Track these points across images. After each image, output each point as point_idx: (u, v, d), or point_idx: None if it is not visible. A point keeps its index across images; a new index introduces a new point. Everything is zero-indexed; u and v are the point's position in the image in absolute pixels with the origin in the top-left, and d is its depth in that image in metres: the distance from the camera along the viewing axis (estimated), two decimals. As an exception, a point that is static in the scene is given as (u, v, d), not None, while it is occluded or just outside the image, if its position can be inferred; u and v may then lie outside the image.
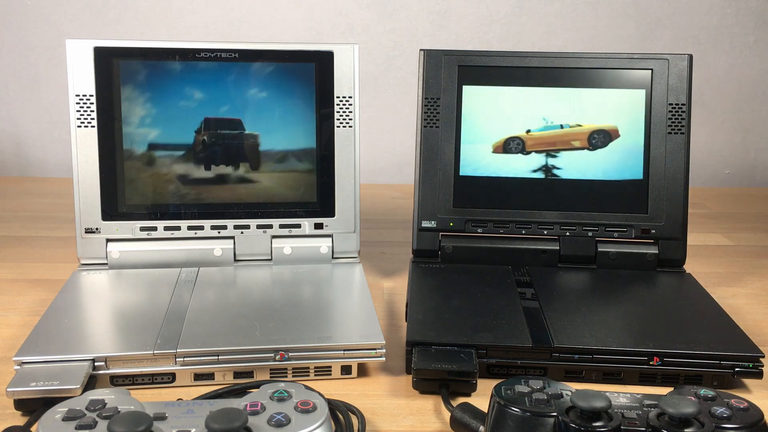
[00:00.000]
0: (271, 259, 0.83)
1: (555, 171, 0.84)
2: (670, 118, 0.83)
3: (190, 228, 0.82)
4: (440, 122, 0.85)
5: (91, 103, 0.79)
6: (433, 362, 0.63)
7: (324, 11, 1.35)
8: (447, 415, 0.59)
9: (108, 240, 0.81)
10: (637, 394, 0.52)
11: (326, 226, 0.84)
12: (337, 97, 0.83)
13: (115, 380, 0.63)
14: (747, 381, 0.66)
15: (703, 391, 0.52)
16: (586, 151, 0.84)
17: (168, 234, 0.82)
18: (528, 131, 0.84)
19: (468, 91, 0.85)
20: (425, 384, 0.63)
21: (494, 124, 0.85)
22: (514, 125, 0.85)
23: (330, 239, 0.84)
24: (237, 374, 0.64)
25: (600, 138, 0.84)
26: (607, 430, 0.47)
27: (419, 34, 1.36)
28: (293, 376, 0.66)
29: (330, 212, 0.84)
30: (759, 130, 1.43)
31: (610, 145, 0.84)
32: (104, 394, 0.51)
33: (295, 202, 0.84)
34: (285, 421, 0.49)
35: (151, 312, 0.70)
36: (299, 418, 0.49)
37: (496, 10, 1.36)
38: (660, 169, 0.83)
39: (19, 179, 1.37)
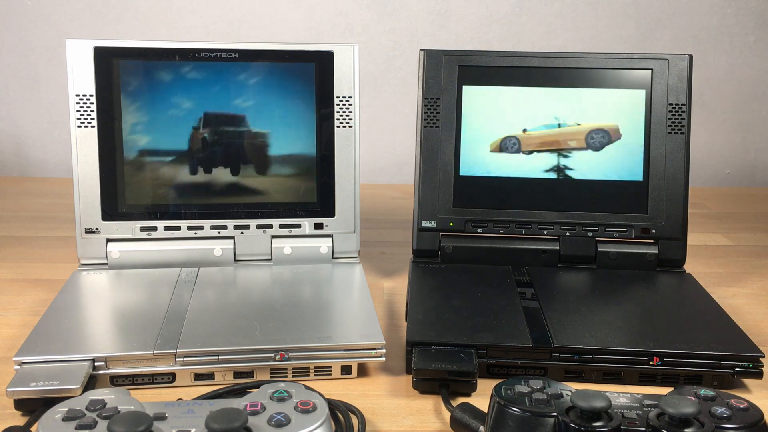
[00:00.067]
0: (271, 259, 0.83)
1: (555, 171, 0.84)
2: (670, 118, 0.83)
3: (190, 228, 0.82)
4: (440, 122, 0.85)
5: (91, 103, 0.79)
6: (433, 362, 0.63)
7: (324, 11, 1.35)
8: (447, 415, 0.59)
9: (108, 240, 0.81)
10: (637, 394, 0.52)
11: (326, 226, 0.84)
12: (337, 97, 0.83)
13: (115, 380, 0.63)
14: (747, 381, 0.66)
15: (703, 391, 0.52)
16: (585, 151, 0.84)
17: (168, 234, 0.82)
18: (524, 131, 0.84)
19: (468, 91, 0.85)
20: (425, 384, 0.63)
21: (494, 124, 0.85)
22: (514, 125, 0.85)
23: (330, 239, 0.84)
24: (237, 374, 0.64)
25: (598, 137, 0.84)
26: (607, 430, 0.47)
27: (419, 34, 1.36)
28: (293, 376, 0.65)
29: (330, 212, 0.84)
30: (759, 130, 1.43)
31: (610, 145, 0.84)
32: (104, 394, 0.51)
33: (295, 202, 0.83)
34: (285, 421, 0.49)
35: (151, 312, 0.70)
36: (299, 418, 0.49)
37: (496, 10, 1.36)
38: (660, 169, 0.83)
39: (19, 179, 1.37)
